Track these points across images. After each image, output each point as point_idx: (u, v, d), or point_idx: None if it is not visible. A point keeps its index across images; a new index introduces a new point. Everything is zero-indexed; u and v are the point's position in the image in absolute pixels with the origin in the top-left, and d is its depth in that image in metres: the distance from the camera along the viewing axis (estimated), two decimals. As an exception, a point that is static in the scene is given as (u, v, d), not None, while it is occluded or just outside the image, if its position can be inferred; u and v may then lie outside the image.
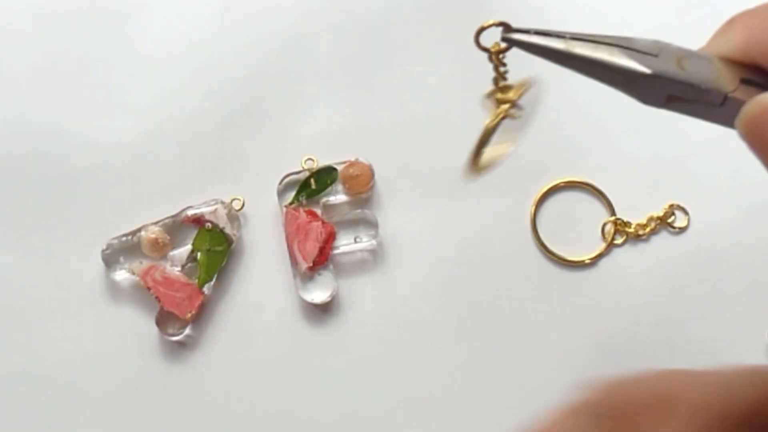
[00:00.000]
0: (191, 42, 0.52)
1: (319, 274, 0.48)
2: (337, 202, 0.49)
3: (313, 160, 0.49)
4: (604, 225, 0.49)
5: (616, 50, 0.25)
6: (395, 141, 0.50)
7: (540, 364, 0.47)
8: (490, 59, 0.27)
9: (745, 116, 0.25)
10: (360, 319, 0.48)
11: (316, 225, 0.48)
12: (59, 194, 0.50)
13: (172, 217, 0.48)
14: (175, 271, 0.48)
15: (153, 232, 0.48)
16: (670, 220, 0.49)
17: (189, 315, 0.47)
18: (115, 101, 0.51)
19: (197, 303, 0.47)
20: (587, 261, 0.48)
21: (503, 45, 0.27)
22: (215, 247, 0.48)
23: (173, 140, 0.50)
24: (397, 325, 0.48)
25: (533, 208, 0.49)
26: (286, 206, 0.49)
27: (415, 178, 0.49)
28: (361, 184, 0.49)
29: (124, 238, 0.48)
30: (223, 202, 0.49)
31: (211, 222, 0.48)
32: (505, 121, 0.27)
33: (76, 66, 0.52)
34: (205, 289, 0.48)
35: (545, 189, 0.49)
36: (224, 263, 0.48)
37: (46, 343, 0.48)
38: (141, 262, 0.48)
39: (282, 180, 0.49)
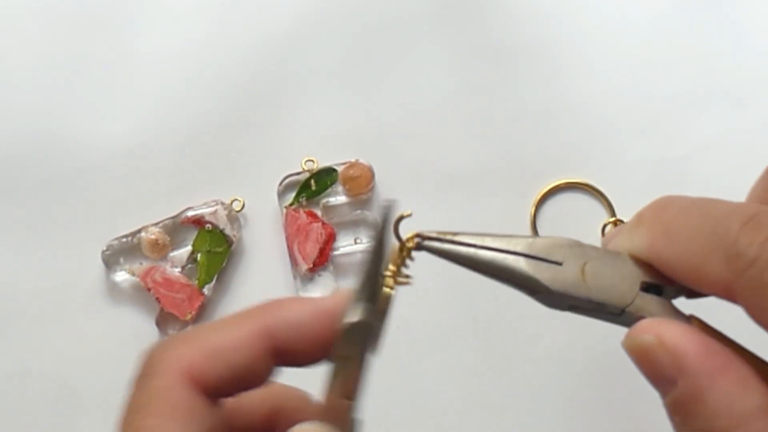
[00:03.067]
0: (191, 43, 0.52)
1: (319, 275, 0.48)
2: (338, 203, 0.49)
3: (313, 161, 0.49)
4: (604, 226, 0.49)
5: (522, 260, 0.27)
6: (395, 141, 0.50)
7: (540, 365, 0.47)
8: (401, 250, 0.28)
9: (627, 342, 0.25)
10: (360, 319, 0.48)
11: (317, 226, 0.48)
12: (60, 195, 0.50)
13: (172, 218, 0.48)
14: (175, 272, 0.48)
15: (153, 233, 0.48)
16: (670, 221, 0.49)
17: (189, 316, 0.47)
18: (115, 102, 0.51)
19: (197, 304, 0.47)
20: (587, 262, 0.48)
21: (415, 243, 0.28)
22: (215, 248, 0.48)
23: (173, 141, 0.50)
24: (397, 326, 0.48)
25: (533, 208, 0.49)
26: (286, 207, 0.49)
27: (415, 179, 0.49)
28: (362, 185, 0.49)
29: (124, 239, 0.48)
30: (223, 203, 0.49)
31: (211, 223, 0.48)
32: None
33: (77, 68, 0.52)
34: (205, 290, 0.48)
35: (545, 189, 0.49)
36: (224, 264, 0.48)
37: (46, 344, 0.48)
38: (141, 263, 0.48)
39: (282, 181, 0.49)
